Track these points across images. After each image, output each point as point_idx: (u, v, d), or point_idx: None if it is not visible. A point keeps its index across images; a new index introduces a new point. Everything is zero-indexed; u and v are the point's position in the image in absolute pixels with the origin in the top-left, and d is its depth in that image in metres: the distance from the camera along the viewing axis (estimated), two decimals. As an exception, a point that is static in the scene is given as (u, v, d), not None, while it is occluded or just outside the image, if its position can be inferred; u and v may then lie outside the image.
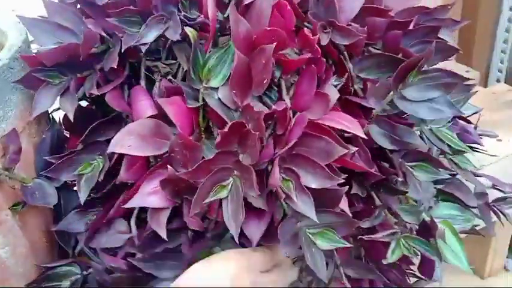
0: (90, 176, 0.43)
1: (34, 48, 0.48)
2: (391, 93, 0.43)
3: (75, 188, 0.50)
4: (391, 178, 0.46)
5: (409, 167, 0.46)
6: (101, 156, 0.44)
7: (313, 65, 0.39)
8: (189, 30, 0.39)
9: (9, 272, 0.46)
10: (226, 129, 0.36)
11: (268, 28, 0.38)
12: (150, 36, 0.41)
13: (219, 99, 0.38)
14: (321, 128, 0.39)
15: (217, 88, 0.39)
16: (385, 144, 0.45)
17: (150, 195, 0.40)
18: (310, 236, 0.39)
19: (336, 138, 0.38)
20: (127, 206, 0.41)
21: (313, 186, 0.37)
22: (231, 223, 0.37)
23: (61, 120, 0.49)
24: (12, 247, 0.46)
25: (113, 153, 0.44)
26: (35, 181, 0.45)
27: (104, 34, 0.43)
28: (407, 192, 0.45)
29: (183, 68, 0.44)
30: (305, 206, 0.37)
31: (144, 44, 0.41)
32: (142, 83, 0.46)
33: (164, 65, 0.45)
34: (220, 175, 0.37)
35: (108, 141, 0.45)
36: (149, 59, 0.46)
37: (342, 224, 0.39)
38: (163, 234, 0.40)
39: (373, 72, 0.46)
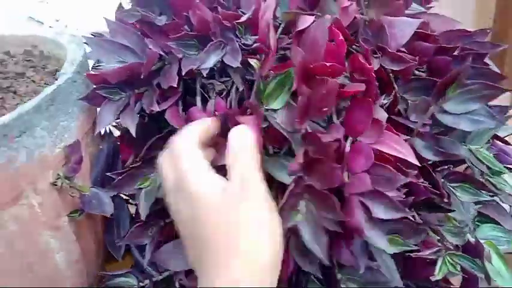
0: (149, 191, 0.45)
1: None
2: (432, 107, 0.45)
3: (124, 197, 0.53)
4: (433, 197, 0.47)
5: (451, 187, 0.48)
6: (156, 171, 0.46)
7: (369, 94, 0.41)
8: (254, 62, 0.41)
9: (61, 276, 0.48)
10: (300, 158, 0.38)
11: (328, 64, 0.39)
12: (210, 61, 0.44)
13: (278, 121, 0.40)
14: (380, 155, 0.41)
15: (277, 110, 0.40)
16: (429, 156, 0.46)
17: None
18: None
19: (397, 166, 0.40)
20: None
21: (383, 217, 0.39)
22: (315, 246, 0.39)
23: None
24: (66, 252, 0.48)
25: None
26: (91, 190, 0.47)
27: (162, 53, 0.46)
28: (453, 211, 0.46)
29: (237, 87, 0.46)
30: (377, 238, 0.39)
31: (204, 69, 0.43)
32: (198, 100, 0.48)
33: (219, 83, 0.47)
34: (293, 200, 0.39)
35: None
36: (204, 76, 0.48)
37: (408, 231, 0.42)
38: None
39: (418, 94, 0.47)
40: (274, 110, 0.40)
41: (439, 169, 0.49)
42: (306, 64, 0.39)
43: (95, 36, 0.55)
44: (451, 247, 0.48)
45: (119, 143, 0.51)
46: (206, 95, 0.49)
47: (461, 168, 0.51)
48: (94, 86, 0.46)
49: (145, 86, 0.47)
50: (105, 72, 0.43)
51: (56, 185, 0.44)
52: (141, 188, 0.45)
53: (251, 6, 0.47)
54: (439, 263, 0.45)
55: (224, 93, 0.47)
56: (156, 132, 0.48)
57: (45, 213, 0.44)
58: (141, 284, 0.50)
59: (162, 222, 0.48)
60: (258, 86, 0.41)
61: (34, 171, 0.42)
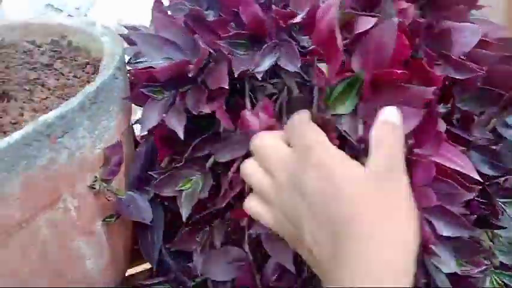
0: (190, 193, 0.43)
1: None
2: (494, 120, 0.43)
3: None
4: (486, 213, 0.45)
5: (501, 203, 0.46)
6: (199, 173, 0.44)
7: (432, 103, 0.39)
8: (324, 68, 0.38)
9: (91, 283, 0.46)
10: None
11: (399, 71, 0.37)
12: (265, 64, 0.41)
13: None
14: (438, 168, 0.39)
15: (341, 116, 0.38)
16: (485, 169, 0.44)
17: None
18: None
19: (460, 181, 0.38)
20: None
21: (448, 235, 0.37)
22: None
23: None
24: (97, 258, 0.45)
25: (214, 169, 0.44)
26: (127, 193, 0.45)
27: (211, 51, 0.43)
28: (504, 227, 0.44)
29: (288, 89, 0.44)
30: (445, 257, 0.37)
31: (258, 72, 0.41)
32: (247, 102, 0.45)
33: (271, 85, 0.45)
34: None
35: (205, 157, 0.45)
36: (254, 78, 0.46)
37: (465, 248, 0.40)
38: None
39: (471, 104, 0.45)
40: (340, 116, 0.37)
41: (488, 183, 0.47)
42: (374, 69, 0.37)
43: (129, 29, 0.52)
44: (497, 265, 0.46)
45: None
46: (253, 97, 0.46)
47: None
48: (140, 84, 0.43)
49: (189, 85, 0.44)
50: (156, 69, 0.40)
51: (94, 188, 0.41)
52: (181, 190, 0.43)
53: (301, 5, 0.45)
54: (487, 282, 0.43)
55: (274, 96, 0.44)
56: (196, 133, 0.45)
57: (80, 217, 0.41)
58: (174, 291, 0.48)
59: (208, 227, 0.46)
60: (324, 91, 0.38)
61: (73, 173, 0.39)
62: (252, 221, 0.46)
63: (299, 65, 0.39)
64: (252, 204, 0.38)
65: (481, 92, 0.45)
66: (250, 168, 0.38)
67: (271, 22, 0.41)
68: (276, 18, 0.41)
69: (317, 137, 0.36)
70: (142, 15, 0.56)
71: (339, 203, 0.32)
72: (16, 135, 0.34)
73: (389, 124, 0.35)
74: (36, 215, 0.37)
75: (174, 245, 0.48)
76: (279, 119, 0.44)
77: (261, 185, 0.37)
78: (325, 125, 0.37)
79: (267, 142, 0.38)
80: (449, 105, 0.44)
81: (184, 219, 0.42)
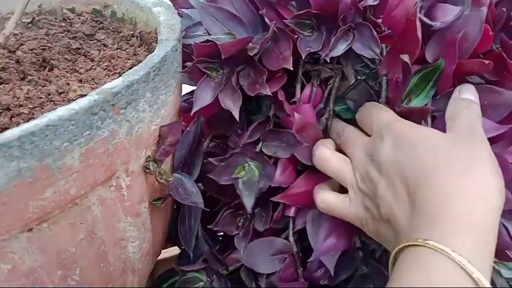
0: (247, 180, 0.40)
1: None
2: None
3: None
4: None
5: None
6: (251, 160, 0.41)
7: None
8: (406, 58, 0.36)
9: (132, 268, 0.43)
10: None
11: (486, 62, 0.35)
12: (339, 49, 0.38)
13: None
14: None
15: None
16: None
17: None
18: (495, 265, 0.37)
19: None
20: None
21: None
22: None
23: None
24: (140, 242, 0.42)
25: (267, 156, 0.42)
26: (174, 176, 0.42)
27: (275, 29, 0.40)
28: None
29: (343, 73, 0.42)
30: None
31: (332, 57, 0.38)
32: (298, 88, 0.43)
33: (328, 70, 0.42)
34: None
35: (255, 142, 0.43)
36: (308, 61, 0.43)
37: None
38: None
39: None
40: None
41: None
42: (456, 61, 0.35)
43: None
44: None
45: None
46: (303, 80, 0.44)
47: None
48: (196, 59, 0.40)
49: (245, 64, 0.42)
50: (223, 44, 0.37)
51: (147, 168, 0.38)
52: (237, 178, 0.40)
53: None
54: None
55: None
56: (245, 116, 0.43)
57: (130, 197, 0.39)
58: (208, 279, 0.46)
59: (247, 214, 0.44)
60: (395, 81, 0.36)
61: (130, 149, 0.36)
62: (299, 212, 0.44)
63: (378, 51, 0.37)
64: (325, 196, 0.37)
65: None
66: (326, 153, 0.36)
67: (348, 3, 0.38)
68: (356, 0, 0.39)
69: (392, 115, 0.35)
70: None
71: (416, 168, 0.31)
72: (82, 103, 0.31)
73: (465, 100, 0.34)
74: (90, 191, 0.35)
75: (216, 226, 0.45)
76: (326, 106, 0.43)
77: (338, 168, 0.36)
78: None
79: (343, 127, 0.36)
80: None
81: (249, 209, 0.40)
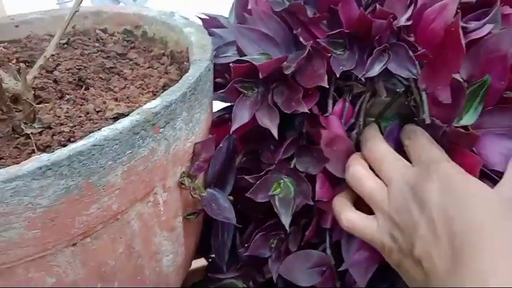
0: (283, 197, 0.41)
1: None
2: None
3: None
4: None
5: None
6: (287, 176, 0.42)
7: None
8: (458, 76, 0.36)
9: (165, 282, 0.44)
10: None
11: None
12: (375, 69, 0.39)
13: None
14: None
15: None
16: None
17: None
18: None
19: None
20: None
21: None
22: None
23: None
24: (174, 256, 0.43)
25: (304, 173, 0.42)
26: (208, 191, 0.43)
27: (310, 49, 0.41)
28: None
29: (375, 90, 0.43)
30: None
31: (368, 77, 0.39)
32: (330, 104, 0.44)
33: (360, 86, 0.43)
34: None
35: (288, 159, 0.43)
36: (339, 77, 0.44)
37: None
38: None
39: None
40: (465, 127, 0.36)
41: None
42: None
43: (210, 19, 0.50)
44: None
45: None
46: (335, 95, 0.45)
47: None
48: (233, 79, 0.41)
49: (279, 82, 0.43)
50: (260, 64, 0.39)
51: (183, 184, 0.39)
52: (274, 195, 0.41)
53: (394, 6, 0.43)
54: None
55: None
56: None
57: (166, 212, 0.40)
58: (244, 285, 0.47)
59: (282, 233, 0.44)
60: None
61: (167, 166, 0.37)
62: (335, 225, 0.44)
63: (415, 71, 0.38)
64: (351, 217, 0.37)
65: None
66: (362, 173, 0.36)
67: (382, 24, 0.39)
68: (391, 22, 0.39)
69: (442, 154, 0.35)
70: (198, 7, 0.54)
71: (464, 221, 0.31)
72: (126, 123, 0.32)
73: None
74: (130, 207, 0.36)
75: (248, 250, 0.46)
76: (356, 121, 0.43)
77: (373, 191, 0.36)
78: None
79: (383, 150, 0.37)
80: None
81: (287, 227, 0.40)
